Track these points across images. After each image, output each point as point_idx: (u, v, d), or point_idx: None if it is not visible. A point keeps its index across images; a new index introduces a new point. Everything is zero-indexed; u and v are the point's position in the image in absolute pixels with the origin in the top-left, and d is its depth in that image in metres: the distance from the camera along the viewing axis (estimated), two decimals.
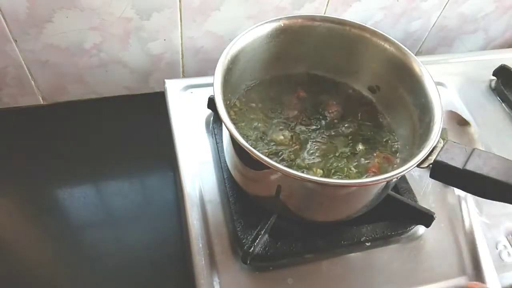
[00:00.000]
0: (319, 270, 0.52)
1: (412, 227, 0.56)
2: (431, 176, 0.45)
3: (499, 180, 0.42)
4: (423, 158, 0.43)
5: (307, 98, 0.60)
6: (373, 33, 0.55)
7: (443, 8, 0.84)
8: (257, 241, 0.50)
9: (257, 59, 0.56)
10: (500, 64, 0.76)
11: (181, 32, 0.72)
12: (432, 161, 0.44)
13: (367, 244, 0.54)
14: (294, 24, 0.55)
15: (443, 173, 0.44)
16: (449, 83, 0.76)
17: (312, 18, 0.56)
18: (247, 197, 0.53)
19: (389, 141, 0.56)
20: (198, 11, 0.69)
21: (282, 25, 0.55)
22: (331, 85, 0.61)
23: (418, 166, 0.43)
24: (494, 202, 0.61)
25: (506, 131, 0.71)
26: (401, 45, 0.53)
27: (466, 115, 0.71)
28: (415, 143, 0.49)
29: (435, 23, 0.87)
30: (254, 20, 0.74)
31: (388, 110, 0.58)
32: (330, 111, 0.59)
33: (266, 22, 0.54)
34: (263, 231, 0.50)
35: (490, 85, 0.77)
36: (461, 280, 0.53)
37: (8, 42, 0.64)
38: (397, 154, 0.55)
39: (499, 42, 0.99)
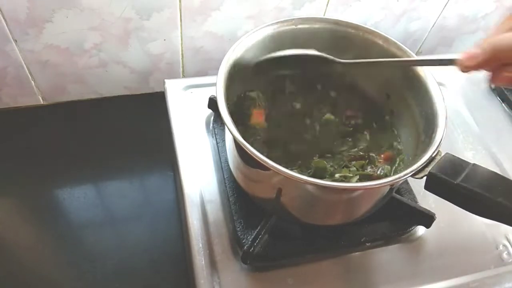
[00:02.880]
0: (319, 270, 0.52)
1: (412, 228, 0.56)
2: (426, 187, 0.45)
3: (493, 199, 0.41)
4: (418, 169, 0.43)
5: (313, 100, 0.60)
6: (386, 40, 0.54)
7: (443, 8, 0.84)
8: (257, 241, 0.50)
9: (265, 58, 0.55)
10: None
11: (181, 32, 0.72)
12: (427, 173, 0.43)
13: (367, 244, 0.54)
14: (304, 25, 0.55)
15: (437, 186, 0.44)
16: (449, 83, 0.76)
17: (325, 21, 0.55)
18: (247, 197, 0.53)
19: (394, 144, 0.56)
20: (198, 11, 0.69)
21: (292, 26, 0.54)
22: (339, 90, 0.60)
23: (412, 176, 0.43)
24: None
25: (506, 131, 0.71)
26: (413, 54, 0.52)
27: (466, 115, 0.71)
28: (417, 154, 0.48)
29: (435, 23, 0.87)
30: (254, 20, 0.74)
31: (395, 119, 0.58)
32: (336, 114, 0.59)
33: (273, 24, 0.53)
34: (263, 231, 0.50)
35: (490, 85, 0.77)
36: (461, 280, 0.53)
37: (8, 42, 0.64)
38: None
39: None
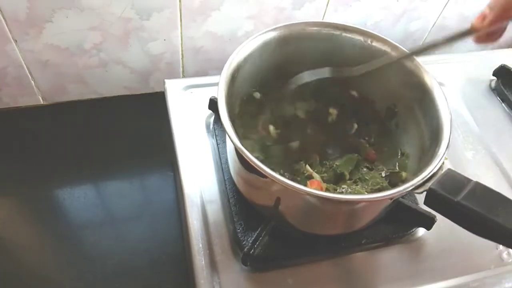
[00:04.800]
0: (319, 271, 0.52)
1: (413, 230, 0.56)
2: (425, 203, 0.44)
3: (493, 220, 0.40)
4: (419, 183, 0.42)
5: (315, 109, 0.60)
6: (395, 48, 0.53)
7: (443, 8, 0.84)
8: (258, 243, 0.50)
9: (267, 64, 0.54)
10: (500, 64, 0.76)
11: (181, 32, 0.72)
12: (427, 188, 0.42)
13: (367, 245, 0.54)
14: (310, 29, 0.54)
15: (436, 202, 0.43)
16: (449, 83, 0.76)
17: (334, 26, 0.54)
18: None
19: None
20: (198, 11, 0.69)
21: (298, 31, 0.53)
22: (343, 98, 0.60)
23: (412, 191, 0.42)
24: None
25: (506, 131, 0.71)
26: (422, 64, 0.51)
27: (466, 115, 0.71)
28: (420, 167, 0.47)
29: (435, 23, 0.87)
30: (254, 20, 0.74)
31: (401, 129, 0.57)
32: (338, 123, 0.59)
33: (277, 27, 0.52)
34: (264, 233, 0.50)
35: (490, 85, 0.77)
36: (461, 280, 0.53)
37: (8, 42, 0.64)
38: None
39: (499, 42, 0.99)
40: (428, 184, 0.43)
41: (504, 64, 0.76)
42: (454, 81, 0.76)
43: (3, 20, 0.61)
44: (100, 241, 0.63)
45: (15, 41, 0.64)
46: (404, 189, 0.42)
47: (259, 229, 0.50)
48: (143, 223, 0.65)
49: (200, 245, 0.51)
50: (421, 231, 0.57)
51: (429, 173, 0.43)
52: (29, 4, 0.60)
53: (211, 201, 0.55)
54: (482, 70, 0.78)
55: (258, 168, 0.41)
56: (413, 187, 0.42)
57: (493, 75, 0.77)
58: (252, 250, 0.49)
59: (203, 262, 0.50)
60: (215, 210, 0.54)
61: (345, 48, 0.55)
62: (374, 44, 0.54)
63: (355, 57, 0.55)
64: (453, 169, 0.44)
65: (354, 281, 0.51)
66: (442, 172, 0.44)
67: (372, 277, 0.52)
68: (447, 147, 0.45)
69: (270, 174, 0.41)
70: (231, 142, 0.43)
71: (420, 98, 0.52)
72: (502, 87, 0.75)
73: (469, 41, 0.97)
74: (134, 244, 0.63)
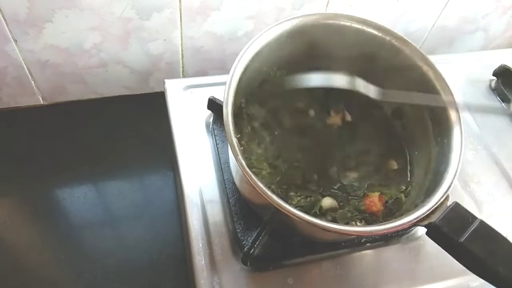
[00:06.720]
0: (319, 270, 0.52)
1: (413, 228, 0.56)
2: (428, 234, 0.44)
3: (493, 267, 0.39)
4: (425, 215, 0.41)
5: (321, 113, 0.59)
6: (414, 49, 0.52)
7: (443, 8, 0.84)
8: (257, 242, 0.50)
9: (276, 60, 0.54)
10: (500, 64, 0.76)
11: (181, 32, 0.72)
12: (432, 220, 0.41)
13: (367, 244, 0.54)
14: (322, 22, 0.53)
15: (439, 237, 0.42)
16: (449, 83, 0.75)
17: (353, 19, 0.53)
18: None
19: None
20: (198, 11, 0.69)
21: (313, 23, 0.52)
22: (352, 102, 0.59)
23: (416, 224, 0.42)
24: (493, 201, 0.61)
25: (506, 131, 0.71)
26: (442, 75, 0.50)
27: (466, 115, 0.71)
28: (424, 185, 0.46)
29: (435, 23, 0.87)
30: (254, 20, 0.74)
31: (409, 139, 0.57)
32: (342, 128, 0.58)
33: (294, 18, 0.50)
34: (263, 233, 0.50)
35: (490, 85, 0.77)
36: (461, 280, 0.53)
37: (8, 42, 0.64)
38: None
39: (499, 42, 0.99)
40: (433, 216, 0.42)
41: (504, 64, 0.75)
42: (454, 81, 0.76)
43: (3, 20, 0.61)
44: (100, 241, 0.63)
45: (15, 41, 0.64)
46: (408, 222, 0.41)
47: (259, 229, 0.50)
48: (143, 223, 0.65)
49: (200, 245, 0.51)
50: (421, 231, 0.57)
51: (437, 202, 0.42)
52: (29, 4, 0.60)
53: (211, 201, 0.55)
54: (482, 70, 0.78)
55: (266, 197, 0.40)
56: (417, 220, 0.41)
57: (493, 75, 0.77)
58: (252, 250, 0.49)
59: (203, 262, 0.50)
60: (215, 210, 0.54)
61: (360, 43, 0.54)
62: (393, 43, 0.53)
63: (370, 54, 0.54)
64: None
65: (354, 281, 0.51)
66: (448, 205, 0.43)
67: (372, 277, 0.52)
68: (456, 173, 0.44)
69: (270, 197, 0.40)
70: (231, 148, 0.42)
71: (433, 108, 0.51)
72: (502, 87, 0.75)
73: (470, 41, 0.97)
74: (134, 244, 0.63)
